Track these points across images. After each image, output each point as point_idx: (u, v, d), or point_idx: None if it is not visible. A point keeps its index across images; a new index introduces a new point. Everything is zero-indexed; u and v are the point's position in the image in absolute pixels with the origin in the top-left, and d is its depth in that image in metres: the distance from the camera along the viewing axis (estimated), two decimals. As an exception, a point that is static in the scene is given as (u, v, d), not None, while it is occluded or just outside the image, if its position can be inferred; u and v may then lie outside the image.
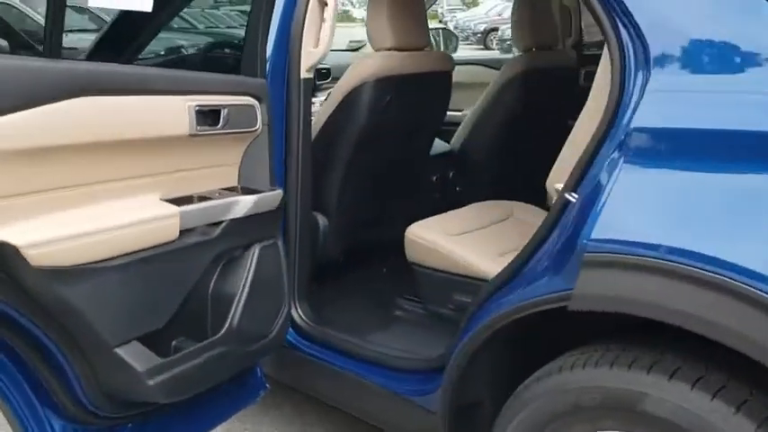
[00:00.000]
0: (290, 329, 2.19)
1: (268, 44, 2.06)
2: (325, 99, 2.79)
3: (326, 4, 2.08)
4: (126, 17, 2.84)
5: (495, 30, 18.23)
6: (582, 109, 3.36)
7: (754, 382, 1.32)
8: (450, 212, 2.41)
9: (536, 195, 2.93)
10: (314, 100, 2.89)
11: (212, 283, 1.87)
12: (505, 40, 14.36)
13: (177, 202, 1.74)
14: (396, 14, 2.33)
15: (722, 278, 1.24)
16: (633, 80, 1.46)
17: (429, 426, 1.88)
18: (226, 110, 1.83)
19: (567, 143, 1.79)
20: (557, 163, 1.82)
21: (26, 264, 1.36)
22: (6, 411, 1.61)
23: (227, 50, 3.25)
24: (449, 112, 2.86)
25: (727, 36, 1.35)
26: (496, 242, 2.21)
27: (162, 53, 3.29)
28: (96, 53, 2.85)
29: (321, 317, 2.29)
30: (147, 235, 1.60)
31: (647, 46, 1.44)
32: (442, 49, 4.88)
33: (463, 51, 11.68)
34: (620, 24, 1.50)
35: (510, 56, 4.24)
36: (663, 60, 1.40)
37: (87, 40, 3.12)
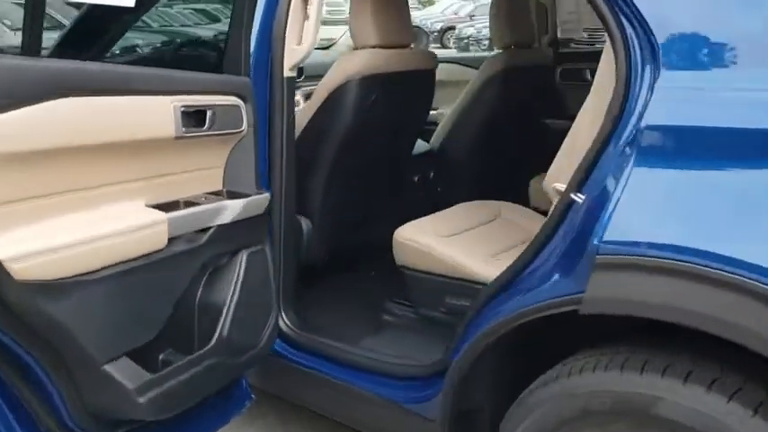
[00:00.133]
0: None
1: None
2: (305, 99, 2.72)
3: (310, 0, 2.01)
4: (91, 15, 2.71)
5: (452, 28, 18.28)
6: (558, 108, 3.40)
7: (771, 383, 1.30)
8: (438, 214, 2.36)
9: (517, 194, 2.92)
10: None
11: (199, 293, 1.79)
12: (462, 38, 14.40)
13: (163, 207, 1.65)
14: (380, 11, 2.27)
15: (742, 279, 1.21)
16: (640, 77, 1.43)
17: (426, 434, 1.84)
18: (211, 110, 1.74)
19: (565, 142, 1.75)
20: (555, 163, 1.79)
21: (9, 278, 1.27)
22: (-17, 435, 1.51)
23: (198, 49, 3.14)
24: (424, 111, 2.81)
25: (743, 31, 1.33)
26: (487, 243, 2.17)
27: (125, 52, 3.16)
28: (58, 52, 2.71)
29: (307, 323, 2.22)
30: (135, 244, 1.51)
31: (654, 41, 1.40)
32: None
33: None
34: (623, 19, 1.46)
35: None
36: (672, 56, 1.38)
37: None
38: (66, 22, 2.93)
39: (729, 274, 1.23)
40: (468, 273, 2.03)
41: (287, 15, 2.03)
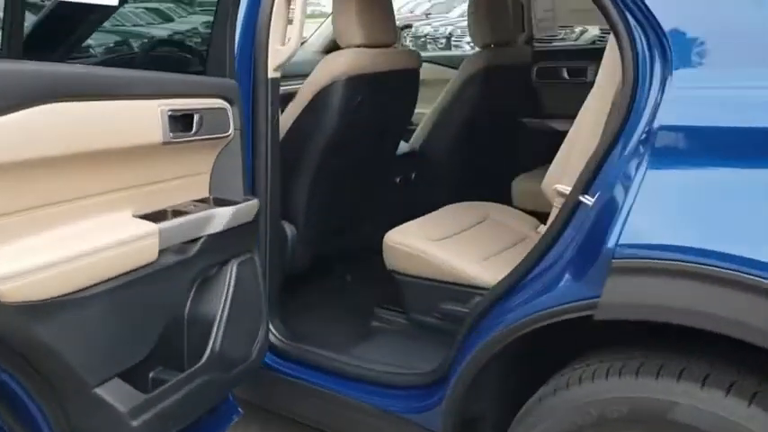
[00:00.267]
0: (263, 348, 2.03)
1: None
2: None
3: None
4: (57, 13, 2.59)
5: (409, 27, 18.25)
6: (534, 107, 3.38)
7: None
8: (427, 216, 2.31)
9: (500, 194, 2.90)
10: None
11: (188, 306, 1.70)
12: (419, 36, 14.39)
13: (151, 217, 1.56)
14: (365, 9, 2.21)
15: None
16: (649, 76, 1.39)
17: (427, 445, 1.79)
18: (198, 114, 1.66)
19: (565, 143, 1.72)
20: (555, 164, 1.75)
21: None
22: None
23: (171, 50, 3.03)
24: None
25: (761, 27, 1.30)
26: (479, 246, 2.13)
27: (90, 53, 3.03)
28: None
29: (295, 333, 2.15)
30: (127, 258, 1.42)
31: (665, 38, 1.37)
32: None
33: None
34: (629, 15, 1.43)
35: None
36: (685, 54, 1.34)
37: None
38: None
39: (754, 277, 1.20)
40: (463, 277, 1.99)
41: (270, 15, 1.95)
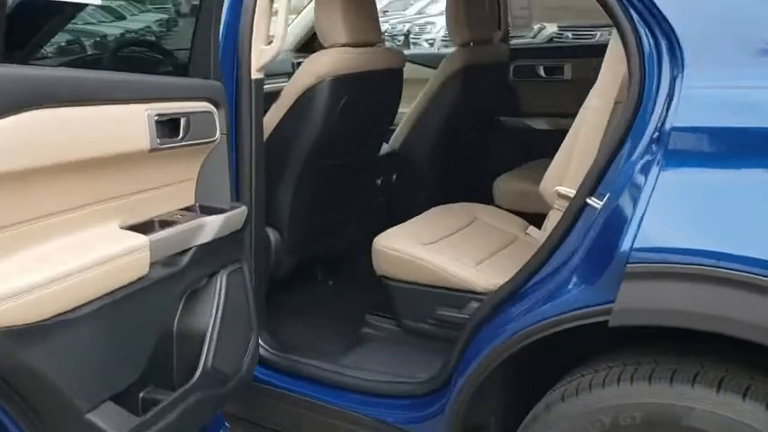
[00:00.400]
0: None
1: None
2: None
3: None
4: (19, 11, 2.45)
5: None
6: (512, 105, 3.36)
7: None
8: (415, 219, 2.25)
9: (481, 194, 2.86)
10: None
11: (177, 320, 1.62)
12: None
13: (138, 229, 1.48)
14: (349, 8, 2.14)
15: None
16: (657, 75, 1.37)
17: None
18: (185, 118, 1.58)
19: (565, 144, 1.68)
20: (554, 165, 1.72)
21: None
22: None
23: (139, 49, 2.91)
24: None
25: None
26: (471, 249, 2.08)
27: (56, 53, 2.89)
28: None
29: (284, 343, 2.08)
30: (116, 274, 1.33)
31: (673, 35, 1.34)
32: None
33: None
34: (632, 11, 1.40)
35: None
36: (697, 51, 1.31)
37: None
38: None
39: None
40: (457, 282, 1.94)
41: (253, 14, 1.87)
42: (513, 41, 3.58)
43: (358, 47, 2.20)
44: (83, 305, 1.25)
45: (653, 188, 1.31)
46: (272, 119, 2.18)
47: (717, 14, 1.32)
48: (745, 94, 1.26)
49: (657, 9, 1.36)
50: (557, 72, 3.24)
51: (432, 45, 8.99)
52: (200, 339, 1.62)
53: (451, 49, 2.88)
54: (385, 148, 2.84)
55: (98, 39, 3.39)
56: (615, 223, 1.36)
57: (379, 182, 2.72)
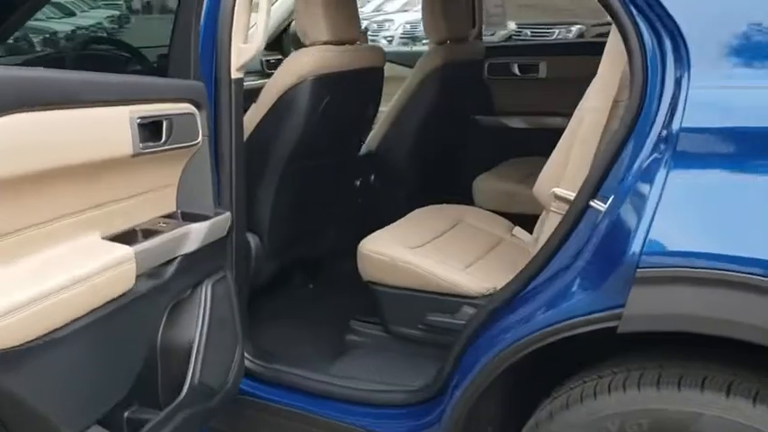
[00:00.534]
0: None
1: None
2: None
3: None
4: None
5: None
6: (486, 103, 3.33)
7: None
8: (400, 222, 2.20)
9: (461, 193, 2.83)
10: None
11: (161, 334, 1.54)
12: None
13: (121, 239, 1.39)
14: (330, 4, 2.07)
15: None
16: (661, 75, 1.34)
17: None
18: (167, 121, 1.49)
19: (561, 144, 1.64)
20: (549, 166, 1.68)
21: None
22: None
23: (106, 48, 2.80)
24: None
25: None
26: (459, 252, 2.04)
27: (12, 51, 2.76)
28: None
29: (268, 353, 2.01)
30: (102, 289, 1.24)
31: (678, 33, 1.31)
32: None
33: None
34: (632, 7, 1.36)
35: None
36: (704, 50, 1.28)
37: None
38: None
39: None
40: (448, 286, 1.89)
41: (232, 10, 1.79)
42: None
43: (340, 44, 2.13)
44: (66, 325, 1.16)
45: (661, 190, 1.27)
46: (251, 120, 2.10)
47: (724, 11, 1.29)
48: (757, 95, 1.23)
49: (660, 5, 1.32)
50: (531, 70, 3.22)
51: (390, 42, 8.96)
52: (186, 354, 1.55)
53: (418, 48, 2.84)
54: (363, 148, 2.78)
55: (48, 36, 3.26)
56: (622, 227, 1.33)
57: (358, 183, 2.65)
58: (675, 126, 1.28)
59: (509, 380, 1.57)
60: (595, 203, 1.40)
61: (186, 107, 1.58)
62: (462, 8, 2.93)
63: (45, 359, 1.13)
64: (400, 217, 2.27)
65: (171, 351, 1.54)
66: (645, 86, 1.35)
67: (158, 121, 1.46)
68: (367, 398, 1.81)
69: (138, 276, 1.35)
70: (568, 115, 2.71)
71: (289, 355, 2.05)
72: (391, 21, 10.63)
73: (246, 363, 1.93)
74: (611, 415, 1.38)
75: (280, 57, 3.60)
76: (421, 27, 8.90)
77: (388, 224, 2.19)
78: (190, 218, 1.62)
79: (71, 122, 1.20)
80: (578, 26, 6.68)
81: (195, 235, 1.54)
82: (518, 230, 2.25)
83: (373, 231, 2.12)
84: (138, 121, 1.39)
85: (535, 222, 2.36)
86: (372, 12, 10.38)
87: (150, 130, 1.44)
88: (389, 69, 3.29)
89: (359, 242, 2.07)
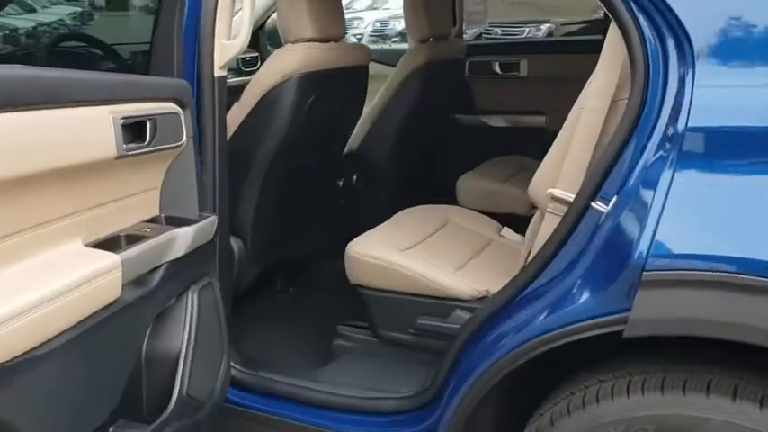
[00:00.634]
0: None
1: None
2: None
3: None
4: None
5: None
6: (467, 102, 3.30)
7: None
8: (387, 224, 2.15)
9: (444, 193, 2.79)
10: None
11: (146, 345, 1.47)
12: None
13: (104, 246, 1.32)
14: (314, 0, 2.01)
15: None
16: (664, 73, 1.31)
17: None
18: (151, 121, 1.42)
19: (557, 144, 1.61)
20: (544, 166, 1.64)
21: None
22: None
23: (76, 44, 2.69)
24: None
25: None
26: (448, 254, 2.00)
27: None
28: None
29: (254, 360, 1.94)
30: (87, 300, 1.17)
31: (681, 30, 1.28)
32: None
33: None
34: (632, 2, 1.34)
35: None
36: (710, 48, 1.26)
37: None
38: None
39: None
40: (439, 289, 1.84)
41: (215, 6, 1.72)
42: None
43: (324, 42, 2.08)
44: (49, 340, 1.09)
45: (667, 191, 1.25)
46: (233, 119, 2.03)
47: (731, 6, 1.27)
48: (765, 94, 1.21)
49: (662, 1, 1.30)
50: (512, 69, 3.20)
51: (360, 40, 8.91)
52: (173, 364, 1.48)
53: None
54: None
55: (7, 32, 3.14)
56: (626, 228, 1.30)
57: (341, 183, 2.60)
58: (681, 126, 1.25)
59: (507, 385, 1.54)
60: (597, 205, 1.37)
61: (170, 107, 1.51)
62: (443, 6, 2.89)
63: (27, 378, 1.05)
64: (383, 217, 2.23)
65: (157, 362, 1.47)
66: (646, 85, 1.33)
67: (142, 121, 1.39)
68: (359, 405, 1.76)
69: (123, 285, 1.28)
70: (550, 114, 2.71)
71: (275, 362, 1.99)
72: (360, 19, 10.58)
73: (232, 371, 1.87)
74: (615, 421, 1.36)
75: (256, 54, 3.53)
76: (391, 25, 8.89)
77: (371, 224, 2.15)
78: (174, 222, 1.54)
79: (51, 123, 1.13)
80: (547, 25, 6.72)
81: (182, 240, 1.47)
82: (506, 231, 2.22)
83: (356, 232, 2.08)
84: (122, 121, 1.32)
85: (521, 222, 2.34)
86: (341, 9, 10.31)
87: (134, 130, 1.37)
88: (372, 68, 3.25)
89: (341, 243, 2.03)
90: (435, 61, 2.72)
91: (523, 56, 3.19)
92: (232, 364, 1.87)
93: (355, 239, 2.01)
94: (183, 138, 1.56)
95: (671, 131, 1.27)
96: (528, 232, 1.82)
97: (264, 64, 2.05)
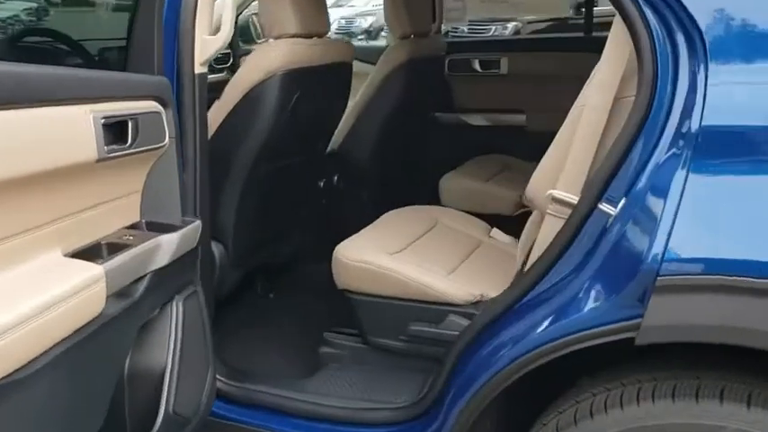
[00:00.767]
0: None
1: None
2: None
3: None
4: None
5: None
6: (446, 100, 3.24)
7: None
8: (374, 226, 2.08)
9: (426, 193, 2.73)
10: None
11: (129, 359, 1.37)
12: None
13: (85, 255, 1.22)
14: None
15: None
16: (673, 70, 1.27)
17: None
18: (133, 121, 1.33)
19: (556, 143, 1.55)
20: (543, 167, 1.59)
21: None
22: None
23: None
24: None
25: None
26: (438, 257, 1.93)
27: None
28: None
29: (238, 371, 1.86)
30: (70, 316, 1.08)
31: (691, 24, 1.23)
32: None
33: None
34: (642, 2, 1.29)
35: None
36: (724, 43, 1.21)
37: None
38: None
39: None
40: (433, 293, 1.78)
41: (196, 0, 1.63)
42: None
43: (308, 38, 1.99)
44: (29, 363, 1.00)
45: (681, 193, 1.20)
46: (213, 119, 1.93)
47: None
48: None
49: None
50: (493, 66, 3.15)
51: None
52: (158, 381, 1.39)
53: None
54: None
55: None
56: (638, 232, 1.25)
57: (322, 183, 2.52)
58: (694, 125, 1.21)
59: (508, 394, 1.49)
60: (604, 207, 1.32)
61: (152, 105, 1.42)
62: (424, 2, 2.83)
63: (5, 405, 0.96)
64: (364, 217, 2.17)
65: (141, 378, 1.38)
66: (655, 82, 1.28)
67: (124, 121, 1.30)
68: (350, 417, 1.69)
69: (107, 298, 1.19)
70: (530, 112, 2.64)
71: (260, 372, 1.91)
72: (328, 15, 10.47)
73: (218, 383, 1.78)
74: (625, 431, 1.31)
75: (228, 51, 3.43)
76: (357, 22, 8.77)
77: (353, 225, 2.08)
78: (156, 228, 1.45)
79: (28, 123, 1.04)
80: (514, 23, 6.71)
81: (166, 247, 1.38)
82: (496, 232, 2.17)
83: (337, 233, 2.01)
84: (103, 121, 1.22)
85: (507, 222, 2.30)
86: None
87: (115, 131, 1.28)
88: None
89: (323, 245, 1.95)
90: (417, 58, 2.65)
91: (504, 53, 3.14)
92: (220, 377, 1.79)
93: (343, 243, 1.93)
94: (165, 138, 1.46)
95: (683, 130, 1.23)
96: (523, 235, 1.77)
97: (246, 60, 1.97)
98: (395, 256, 1.88)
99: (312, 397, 1.77)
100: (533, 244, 1.64)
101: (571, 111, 1.53)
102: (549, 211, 1.54)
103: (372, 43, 6.81)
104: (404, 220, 2.14)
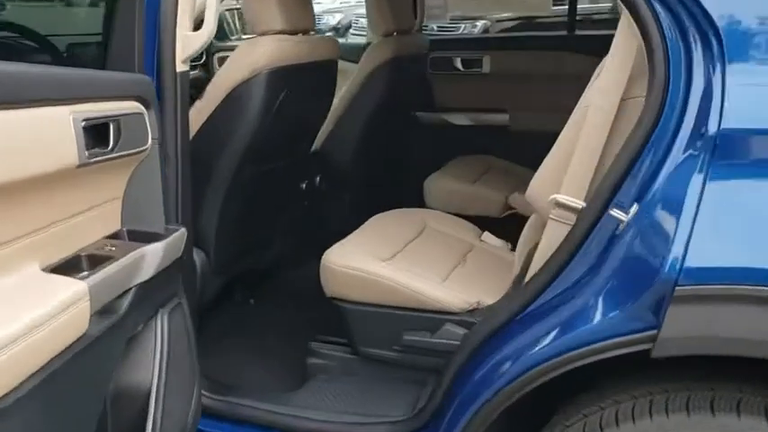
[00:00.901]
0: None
1: None
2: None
3: None
4: None
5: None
6: (427, 99, 3.18)
7: None
8: (362, 230, 2.00)
9: (411, 194, 2.67)
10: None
11: (113, 378, 1.28)
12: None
13: (64, 269, 1.13)
14: None
15: None
16: (687, 71, 1.22)
17: None
18: (114, 123, 1.24)
19: (558, 145, 1.49)
20: (544, 169, 1.52)
21: None
22: None
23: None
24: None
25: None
26: (431, 262, 1.86)
27: None
28: None
29: (220, 383, 1.77)
30: (49, 341, 0.98)
31: (706, 22, 1.18)
32: (239, 31, 4.35)
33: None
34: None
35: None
36: (742, 43, 1.17)
37: None
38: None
39: None
40: (428, 301, 1.70)
41: None
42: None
43: (294, 34, 1.91)
44: (9, 393, 0.90)
45: (699, 199, 1.15)
46: (195, 119, 1.83)
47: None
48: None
49: None
50: (475, 65, 3.10)
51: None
52: (143, 401, 1.30)
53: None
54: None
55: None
56: (653, 239, 1.20)
57: (304, 185, 2.43)
58: (712, 128, 1.16)
59: (513, 411, 1.42)
60: (615, 213, 1.27)
61: (134, 106, 1.33)
62: (405, -1, 2.76)
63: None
64: (347, 219, 2.09)
65: (125, 398, 1.29)
66: (667, 82, 1.23)
67: (105, 123, 1.20)
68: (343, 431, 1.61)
69: (91, 316, 1.09)
70: (512, 111, 2.56)
71: (246, 385, 1.82)
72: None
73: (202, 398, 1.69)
74: (638, 446, 1.26)
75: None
76: (324, 19, 8.63)
77: (336, 228, 2.00)
78: (138, 237, 1.36)
79: (2, 127, 0.94)
80: (483, 21, 6.69)
81: (151, 259, 1.29)
82: (487, 235, 2.11)
83: (320, 236, 1.93)
84: (83, 123, 1.13)
85: (494, 225, 2.24)
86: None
87: (95, 134, 1.18)
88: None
89: (304, 249, 1.87)
90: (400, 56, 2.58)
91: (486, 52, 3.09)
92: (204, 391, 1.70)
93: (331, 248, 1.85)
94: (147, 141, 1.37)
95: (700, 133, 1.18)
96: (521, 240, 1.71)
97: (230, 57, 1.87)
98: (386, 262, 1.81)
99: (299, 411, 1.69)
100: (532, 250, 1.58)
101: (574, 112, 1.47)
102: (552, 216, 1.47)
103: (349, 40, 6.77)
104: (392, 223, 2.07)
